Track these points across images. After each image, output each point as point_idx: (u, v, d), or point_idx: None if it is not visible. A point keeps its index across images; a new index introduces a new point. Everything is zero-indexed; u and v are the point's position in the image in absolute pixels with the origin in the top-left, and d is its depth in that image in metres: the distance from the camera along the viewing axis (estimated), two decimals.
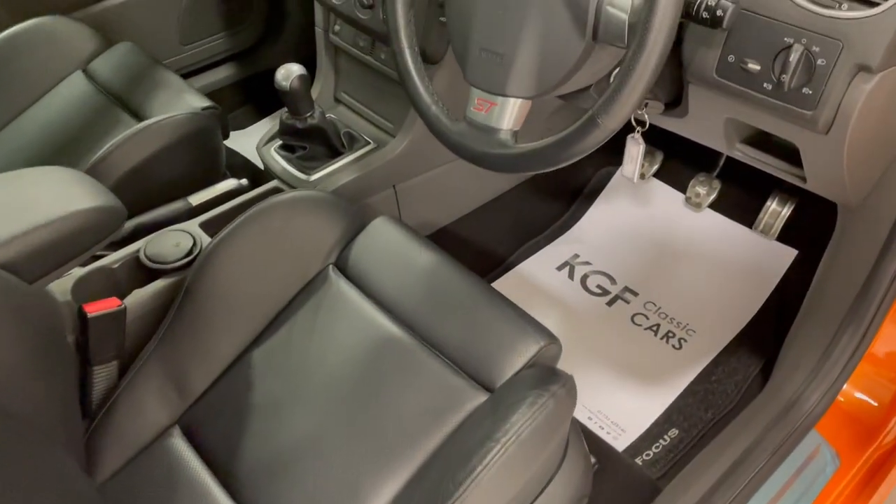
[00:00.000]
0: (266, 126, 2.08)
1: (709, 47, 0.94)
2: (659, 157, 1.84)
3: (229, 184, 1.38)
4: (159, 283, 1.06)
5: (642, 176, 1.82)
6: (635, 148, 1.08)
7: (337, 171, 1.49)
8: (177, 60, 1.93)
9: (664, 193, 1.79)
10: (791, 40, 0.86)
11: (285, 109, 1.42)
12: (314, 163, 1.50)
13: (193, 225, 1.17)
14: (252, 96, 2.15)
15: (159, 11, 1.83)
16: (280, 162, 1.52)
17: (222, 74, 2.09)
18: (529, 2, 0.81)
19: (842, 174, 0.99)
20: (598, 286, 1.65)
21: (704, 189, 1.74)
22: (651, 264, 1.68)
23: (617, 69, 0.85)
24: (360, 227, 1.09)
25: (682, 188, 1.77)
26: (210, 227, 1.16)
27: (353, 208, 1.12)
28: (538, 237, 1.77)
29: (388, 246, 1.05)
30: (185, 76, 1.96)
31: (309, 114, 1.43)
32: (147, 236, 1.13)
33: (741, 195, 1.71)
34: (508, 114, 0.87)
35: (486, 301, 0.97)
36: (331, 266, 1.07)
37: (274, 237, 1.03)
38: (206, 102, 1.48)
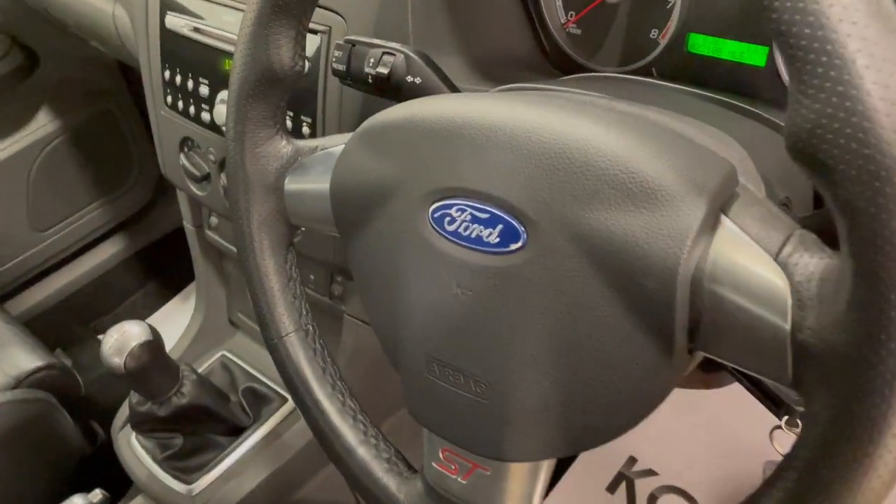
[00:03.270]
0: (178, 310, 1.69)
1: None
2: None
3: None
4: None
5: None
6: None
7: (239, 466, 0.90)
8: (35, 254, 1.56)
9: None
10: None
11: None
12: (200, 456, 0.91)
13: None
14: (153, 270, 1.77)
15: None
16: (143, 461, 0.92)
17: (105, 254, 1.71)
18: (539, 289, 0.40)
19: None
20: None
21: None
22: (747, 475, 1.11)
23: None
24: None
25: None
26: None
27: None
28: None
29: None
30: (49, 270, 1.62)
31: (174, 390, 0.85)
32: None
33: None
34: (513, 486, 0.46)
35: None
36: None
37: None
38: (39, 362, 1.00)
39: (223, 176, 0.88)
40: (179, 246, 1.22)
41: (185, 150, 0.93)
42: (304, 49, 0.51)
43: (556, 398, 0.41)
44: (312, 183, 0.52)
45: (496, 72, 0.68)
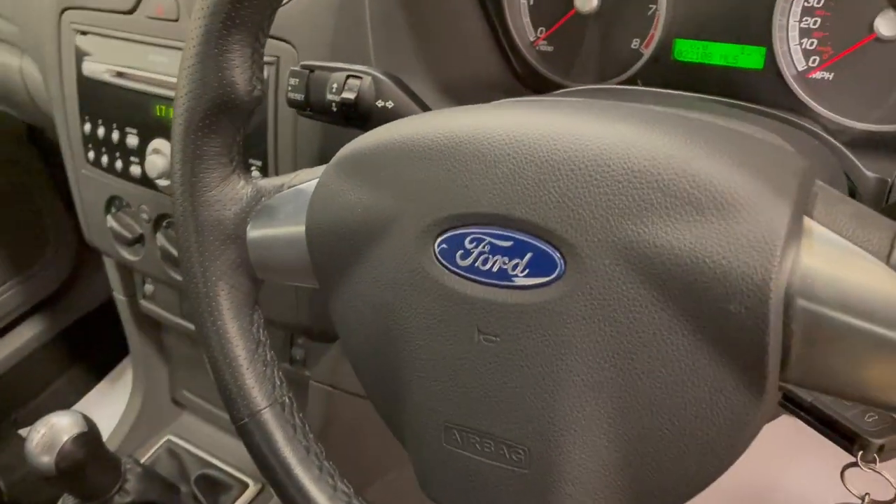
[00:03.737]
0: (111, 393, 1.51)
1: None
2: None
3: None
4: None
5: None
6: None
7: None
8: None
9: None
10: None
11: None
12: None
13: None
14: (79, 351, 1.59)
15: None
16: None
17: (21, 339, 1.56)
18: (586, 326, 0.33)
19: None
20: None
21: None
22: None
23: None
24: None
25: None
26: None
27: None
28: None
29: None
30: None
31: (115, 488, 0.73)
32: None
33: None
34: None
35: None
36: None
37: None
38: None
39: (160, 235, 0.78)
40: (108, 320, 1.10)
41: (113, 210, 0.83)
42: (261, 70, 0.43)
43: (617, 459, 0.33)
44: (281, 227, 0.44)
45: (466, 95, 0.62)
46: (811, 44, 0.53)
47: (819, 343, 0.29)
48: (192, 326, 0.91)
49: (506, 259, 0.34)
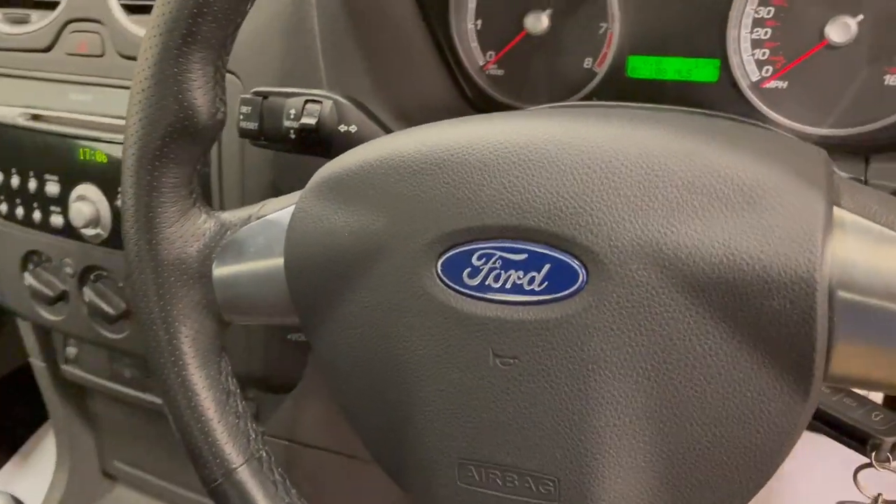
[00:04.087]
0: (27, 470, 1.30)
1: None
2: None
3: None
4: None
5: None
6: None
7: None
8: None
9: None
10: None
11: None
12: None
13: None
14: None
15: None
16: None
17: None
18: (614, 338, 0.30)
19: None
20: None
21: None
22: None
23: None
24: None
25: None
26: None
27: None
28: None
29: None
30: None
31: None
32: None
33: None
34: None
35: None
36: None
37: None
38: None
39: (87, 290, 0.71)
40: (20, 388, 1.00)
41: (31, 266, 0.75)
42: (224, 91, 0.40)
43: (656, 480, 0.31)
44: (253, 261, 0.40)
45: (418, 120, 0.60)
46: (763, 54, 0.54)
47: (864, 334, 0.28)
48: (124, 389, 0.84)
49: (520, 273, 0.31)
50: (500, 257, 0.32)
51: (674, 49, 0.57)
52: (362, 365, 0.36)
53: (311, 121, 0.48)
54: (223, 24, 0.36)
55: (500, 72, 0.64)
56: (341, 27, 0.57)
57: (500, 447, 0.33)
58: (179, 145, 0.38)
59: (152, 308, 0.40)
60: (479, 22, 0.63)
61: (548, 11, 0.60)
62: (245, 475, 0.41)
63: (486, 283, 0.32)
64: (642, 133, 0.31)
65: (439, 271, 0.33)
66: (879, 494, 0.42)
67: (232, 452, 0.41)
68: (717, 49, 0.56)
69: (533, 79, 0.63)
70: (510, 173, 0.31)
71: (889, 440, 0.39)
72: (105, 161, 0.66)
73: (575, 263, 0.30)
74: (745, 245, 0.28)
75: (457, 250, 0.32)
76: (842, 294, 0.28)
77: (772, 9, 0.53)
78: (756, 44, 0.54)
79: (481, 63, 0.64)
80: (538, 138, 0.32)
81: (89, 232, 0.68)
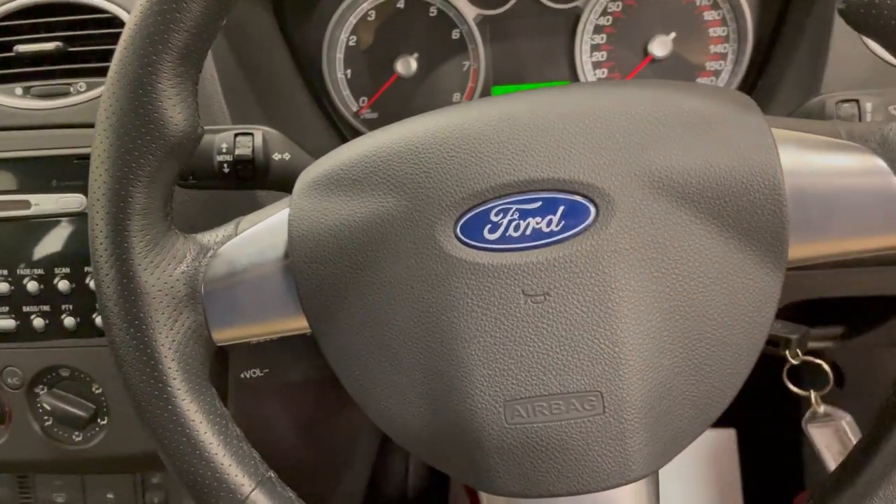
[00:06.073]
0: None
1: None
2: None
3: None
4: None
5: None
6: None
7: None
8: None
9: None
10: None
11: None
12: None
13: None
14: None
15: None
16: None
17: None
18: (631, 256, 0.36)
19: None
20: None
21: None
22: None
23: None
24: None
25: None
26: None
27: None
28: None
29: None
30: None
31: None
32: None
33: None
34: None
35: None
36: None
37: None
38: None
39: (45, 399, 0.60)
40: None
41: None
42: (197, 106, 0.40)
43: (682, 371, 0.36)
44: (248, 273, 0.40)
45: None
46: (603, 73, 0.66)
47: (818, 210, 0.35)
48: None
49: (538, 219, 0.36)
50: (518, 209, 0.36)
51: (531, 76, 0.66)
52: (394, 342, 0.37)
53: (246, 151, 0.48)
54: (201, 37, 0.37)
55: (374, 115, 0.69)
56: (236, 76, 0.58)
57: (544, 379, 0.36)
58: (157, 162, 0.37)
59: (132, 341, 0.38)
60: (349, 71, 0.68)
61: (415, 55, 0.67)
62: (260, 498, 0.39)
63: (507, 234, 0.36)
64: (614, 91, 0.37)
65: (459, 234, 0.36)
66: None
67: (241, 478, 0.39)
68: (566, 73, 0.66)
69: (406, 118, 0.69)
70: (511, 137, 0.36)
71: (793, 337, 0.49)
72: None
73: (584, 201, 0.35)
74: (717, 158, 0.35)
75: (474, 212, 0.36)
76: (793, 179, 0.35)
77: (604, 35, 0.65)
78: (596, 65, 0.66)
79: (355, 109, 0.69)
80: (529, 105, 0.37)
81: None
